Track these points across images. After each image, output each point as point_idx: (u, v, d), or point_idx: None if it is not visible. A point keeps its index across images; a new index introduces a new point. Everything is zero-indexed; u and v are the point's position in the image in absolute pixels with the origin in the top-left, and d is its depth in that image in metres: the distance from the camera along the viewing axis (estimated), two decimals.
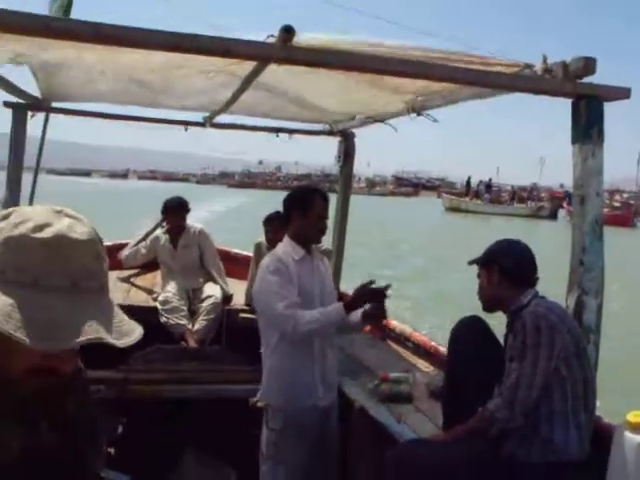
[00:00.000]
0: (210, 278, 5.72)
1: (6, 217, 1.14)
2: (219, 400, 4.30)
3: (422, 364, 4.45)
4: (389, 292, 3.29)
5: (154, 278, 6.10)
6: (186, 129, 5.47)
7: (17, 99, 4.76)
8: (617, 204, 54.70)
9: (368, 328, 4.72)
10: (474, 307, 3.18)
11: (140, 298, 5.66)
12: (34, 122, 5.13)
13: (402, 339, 4.88)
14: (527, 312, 2.71)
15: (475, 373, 2.95)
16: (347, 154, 5.51)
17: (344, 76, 3.08)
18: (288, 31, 2.34)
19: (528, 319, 2.66)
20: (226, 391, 4.39)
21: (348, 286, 5.60)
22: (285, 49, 2.39)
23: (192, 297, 5.57)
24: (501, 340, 2.97)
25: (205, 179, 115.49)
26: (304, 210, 3.42)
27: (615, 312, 11.10)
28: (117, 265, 5.85)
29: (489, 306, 3.02)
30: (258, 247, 5.51)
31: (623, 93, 2.79)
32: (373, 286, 3.30)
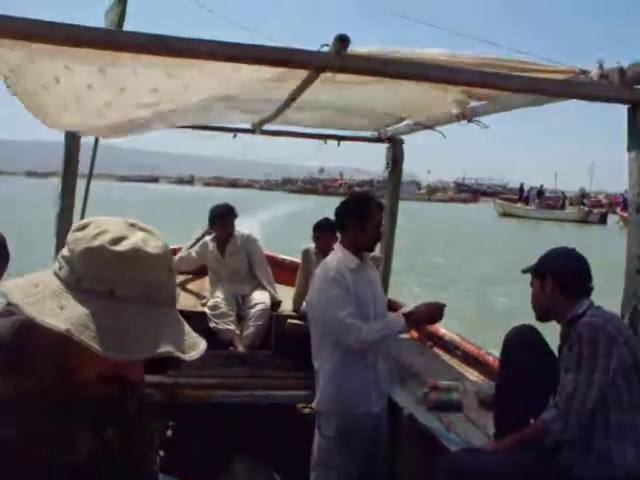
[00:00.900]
0: (258, 284, 5.73)
1: (84, 227, 1.17)
2: (268, 405, 4.32)
3: (471, 373, 4.41)
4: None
5: (203, 284, 6.15)
6: (234, 136, 5.53)
7: None
8: None
9: (415, 334, 4.71)
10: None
11: (189, 303, 5.71)
12: None
13: (451, 347, 4.85)
14: (583, 323, 2.66)
15: (528, 383, 2.92)
16: (395, 161, 5.50)
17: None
18: (343, 40, 2.35)
19: (584, 330, 2.61)
20: (275, 397, 4.42)
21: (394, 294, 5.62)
22: (339, 58, 2.40)
23: (241, 303, 5.59)
24: (555, 350, 2.94)
25: (268, 185, 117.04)
26: (362, 220, 3.43)
27: None
28: None
29: (542, 315, 2.98)
30: (306, 253, 5.53)
31: None
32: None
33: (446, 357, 4.78)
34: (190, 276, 6.29)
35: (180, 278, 6.19)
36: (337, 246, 3.54)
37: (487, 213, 52.48)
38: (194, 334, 1.20)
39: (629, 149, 2.77)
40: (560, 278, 2.85)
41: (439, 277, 17.67)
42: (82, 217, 5.63)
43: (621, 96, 2.71)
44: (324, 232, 5.19)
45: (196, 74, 2.84)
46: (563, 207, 56.33)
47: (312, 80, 2.87)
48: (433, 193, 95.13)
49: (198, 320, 4.94)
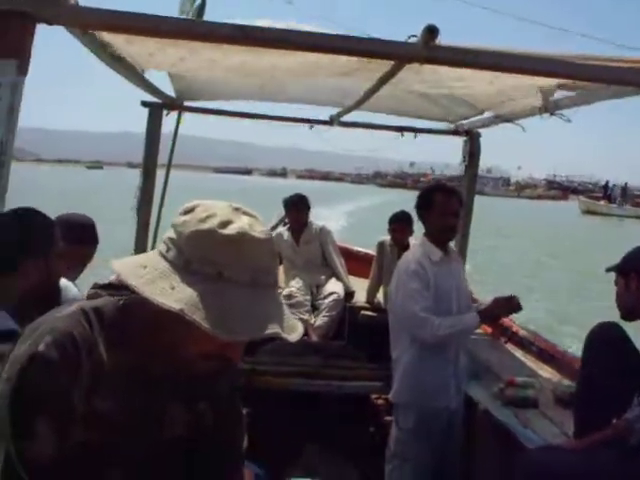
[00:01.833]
0: (333, 275, 5.76)
1: (190, 211, 1.20)
2: (342, 395, 4.35)
3: (545, 370, 4.34)
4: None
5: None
6: (311, 127, 5.56)
7: (153, 99, 4.99)
8: None
9: (488, 329, 4.67)
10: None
11: None
12: (169, 120, 5.39)
13: (525, 343, 4.79)
14: None
15: (610, 381, 2.85)
16: (472, 154, 5.42)
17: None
18: (432, 31, 2.34)
19: None
20: (349, 387, 4.44)
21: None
22: (427, 49, 2.39)
23: (315, 293, 5.64)
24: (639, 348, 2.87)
25: (359, 179, 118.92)
26: (426, 209, 3.46)
27: None
28: None
29: (627, 314, 2.91)
30: (381, 246, 5.51)
31: None
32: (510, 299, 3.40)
33: (520, 353, 4.71)
34: None
35: None
36: (421, 238, 3.54)
37: (572, 211, 52.06)
38: (292, 316, 1.23)
39: None
40: None
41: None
42: (161, 205, 5.79)
43: None
44: (400, 224, 5.17)
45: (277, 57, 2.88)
46: None
47: (396, 71, 2.87)
48: (522, 190, 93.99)
49: None
